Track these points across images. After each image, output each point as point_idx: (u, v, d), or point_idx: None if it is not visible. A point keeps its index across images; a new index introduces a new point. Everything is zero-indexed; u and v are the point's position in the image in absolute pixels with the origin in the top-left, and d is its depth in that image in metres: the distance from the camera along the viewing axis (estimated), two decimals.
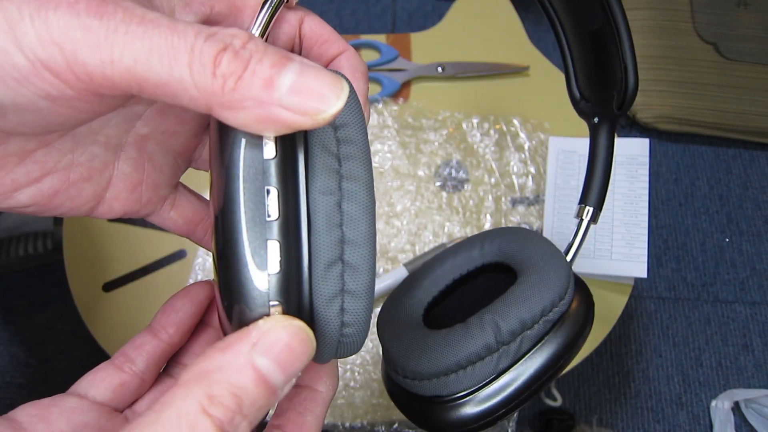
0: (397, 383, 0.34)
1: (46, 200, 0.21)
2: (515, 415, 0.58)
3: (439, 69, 0.63)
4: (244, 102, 0.16)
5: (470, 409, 0.31)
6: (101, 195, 0.23)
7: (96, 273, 0.57)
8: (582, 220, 0.35)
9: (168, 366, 0.26)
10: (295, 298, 0.19)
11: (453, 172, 0.60)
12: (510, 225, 0.58)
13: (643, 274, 0.51)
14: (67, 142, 0.21)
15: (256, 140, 0.18)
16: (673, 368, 0.73)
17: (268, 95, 0.16)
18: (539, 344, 0.31)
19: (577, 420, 0.70)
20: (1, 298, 0.78)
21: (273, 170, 0.18)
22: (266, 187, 0.18)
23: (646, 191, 0.53)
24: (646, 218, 0.52)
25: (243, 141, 0.18)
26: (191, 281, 0.56)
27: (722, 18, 0.84)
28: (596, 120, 0.35)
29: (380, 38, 0.65)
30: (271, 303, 0.18)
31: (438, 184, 0.60)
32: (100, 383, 0.23)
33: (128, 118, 0.23)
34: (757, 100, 0.80)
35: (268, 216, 0.18)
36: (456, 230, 0.58)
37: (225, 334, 0.20)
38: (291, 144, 0.19)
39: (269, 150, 0.18)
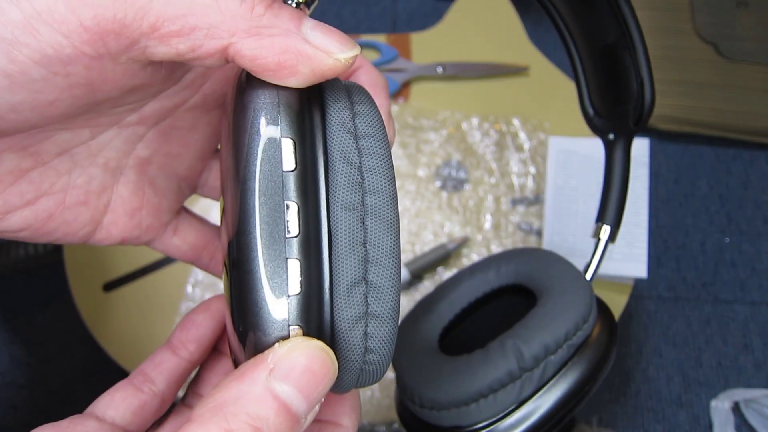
0: (412, 413, 0.32)
1: (40, 224, 0.20)
2: None
3: (439, 69, 0.63)
4: (271, 29, 0.16)
5: None
6: (98, 220, 0.22)
7: (96, 273, 0.57)
8: (599, 239, 0.34)
9: (186, 396, 0.24)
10: (316, 322, 0.18)
11: (453, 172, 0.60)
12: (510, 225, 0.58)
13: (643, 274, 0.51)
14: (65, 162, 0.21)
15: (275, 151, 0.17)
16: (673, 368, 0.73)
17: (295, 26, 0.17)
18: (563, 370, 0.30)
19: (577, 420, 0.70)
20: (1, 298, 0.78)
21: (292, 184, 0.17)
22: (285, 202, 0.17)
23: (646, 191, 0.53)
24: (646, 218, 0.52)
25: (260, 152, 0.17)
26: (192, 281, 0.56)
27: (722, 18, 0.84)
28: (612, 136, 0.34)
29: (380, 38, 0.65)
30: (291, 327, 0.17)
31: (438, 184, 0.60)
32: (119, 404, 0.22)
33: (129, 139, 0.22)
34: (757, 100, 0.80)
35: (288, 232, 0.17)
36: (456, 230, 0.58)
37: (235, 361, 0.19)
38: (311, 155, 0.18)
39: (288, 162, 0.17)
